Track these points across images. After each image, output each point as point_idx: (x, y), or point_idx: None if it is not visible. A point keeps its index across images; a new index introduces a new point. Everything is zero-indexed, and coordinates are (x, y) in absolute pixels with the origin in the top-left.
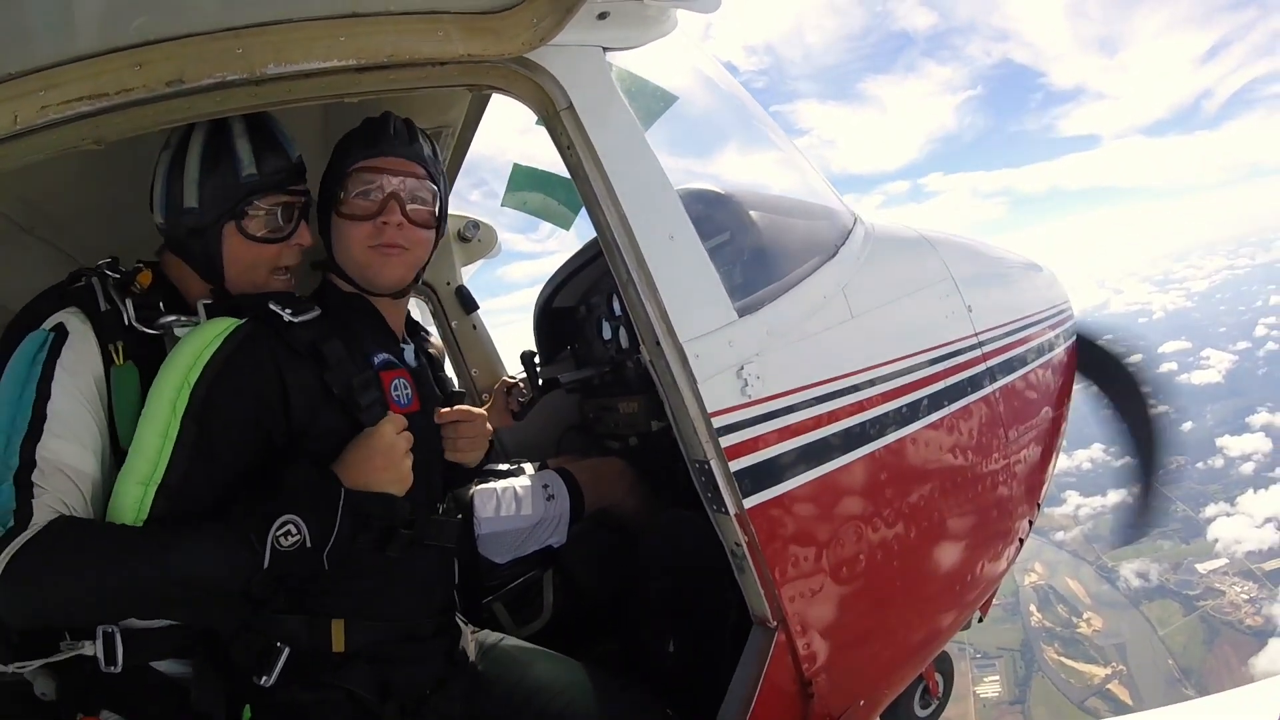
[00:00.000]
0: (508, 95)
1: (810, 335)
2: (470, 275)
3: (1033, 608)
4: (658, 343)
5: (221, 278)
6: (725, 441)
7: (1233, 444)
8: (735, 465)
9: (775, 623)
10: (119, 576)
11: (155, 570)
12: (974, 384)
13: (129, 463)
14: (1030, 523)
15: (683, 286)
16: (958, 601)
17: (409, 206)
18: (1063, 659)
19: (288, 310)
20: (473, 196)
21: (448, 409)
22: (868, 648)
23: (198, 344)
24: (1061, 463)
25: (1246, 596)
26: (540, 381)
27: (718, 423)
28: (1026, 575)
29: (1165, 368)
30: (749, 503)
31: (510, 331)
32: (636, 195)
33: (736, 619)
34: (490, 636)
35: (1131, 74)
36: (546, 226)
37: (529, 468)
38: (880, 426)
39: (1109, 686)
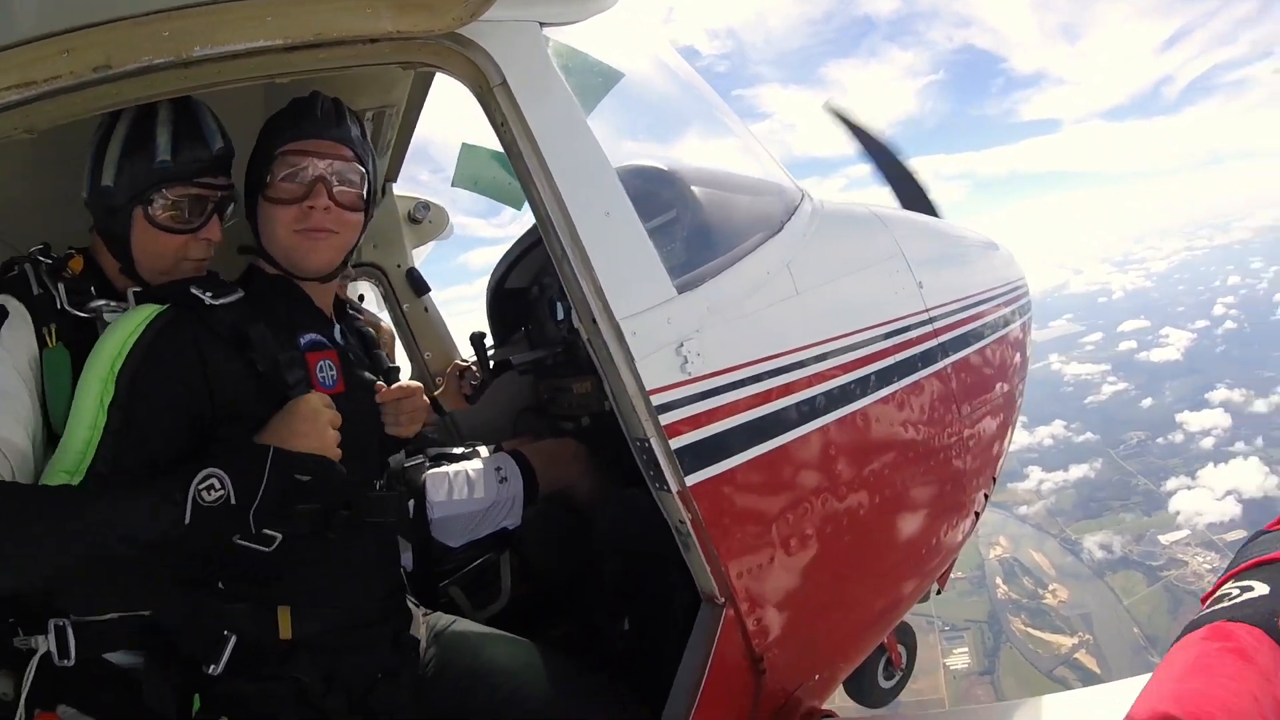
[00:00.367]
0: (442, 72)
1: (752, 312)
2: (423, 259)
3: (999, 580)
4: (594, 320)
5: (132, 261)
6: (665, 419)
7: (1192, 419)
8: (675, 443)
9: (723, 599)
10: (43, 528)
11: (78, 522)
12: (925, 359)
13: (59, 453)
14: (986, 496)
15: (619, 263)
16: (912, 574)
17: (336, 189)
18: (1030, 630)
19: (208, 294)
20: (423, 177)
21: (390, 388)
22: (820, 622)
23: (120, 335)
24: (1023, 439)
25: (1209, 567)
26: (492, 364)
27: (657, 400)
28: (991, 549)
29: (1125, 346)
30: (691, 480)
31: (476, 320)
32: (572, 172)
33: (686, 597)
34: (442, 620)
35: (1093, 60)
36: (509, 211)
37: (483, 450)
38: (826, 402)
39: (1077, 655)
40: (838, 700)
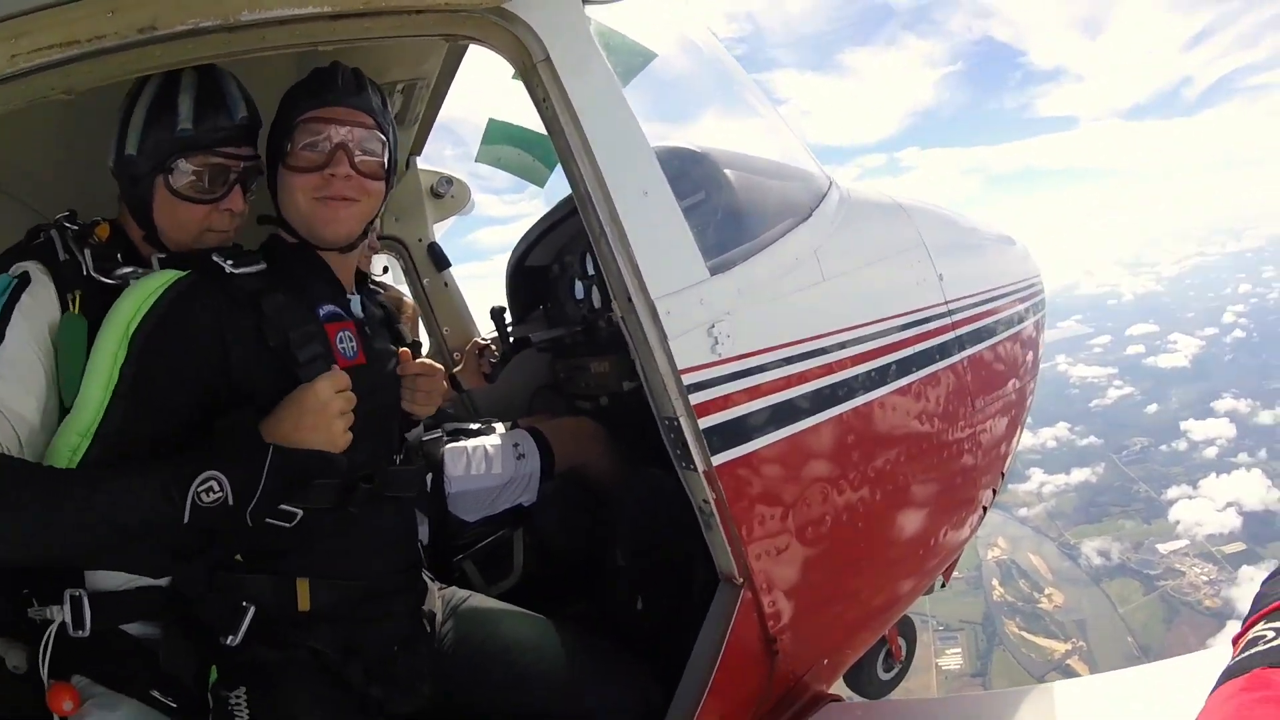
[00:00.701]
0: (484, 46)
1: (781, 296)
2: (441, 234)
3: (995, 582)
4: (629, 299)
5: (155, 230)
6: (695, 399)
7: (1197, 428)
8: (704, 423)
9: (741, 580)
10: (42, 513)
11: (77, 512)
12: (943, 351)
13: (72, 414)
14: (994, 491)
15: (655, 243)
16: (921, 565)
17: (358, 157)
18: (1024, 633)
19: (229, 261)
20: (446, 153)
21: (415, 360)
22: (833, 607)
23: (138, 296)
24: (1027, 440)
25: (1206, 578)
26: (511, 340)
27: (687, 380)
28: (989, 550)
29: (1132, 350)
30: (717, 460)
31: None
32: (612, 150)
33: (703, 577)
34: (458, 594)
35: (1113, 57)
36: (520, 189)
37: (500, 427)
38: (848, 389)
39: (1069, 661)
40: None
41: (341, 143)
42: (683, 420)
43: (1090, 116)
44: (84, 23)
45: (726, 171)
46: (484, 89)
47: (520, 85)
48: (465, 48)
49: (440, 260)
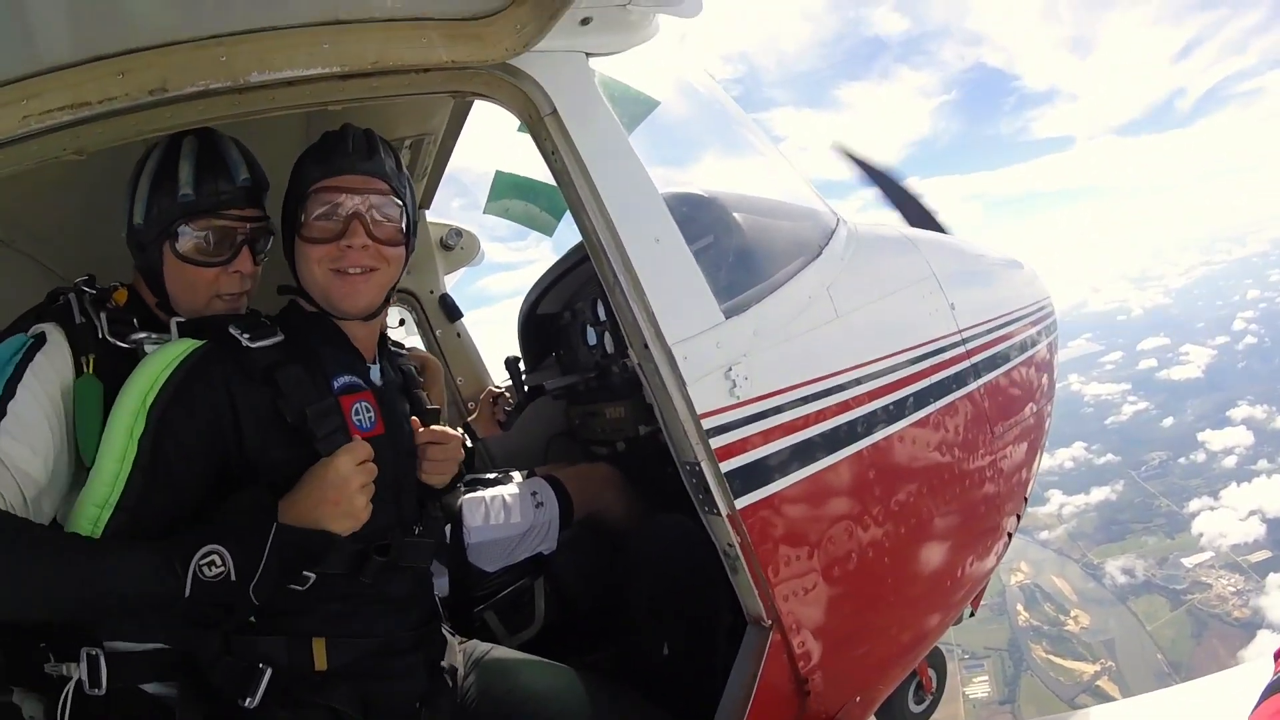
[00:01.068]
0: (492, 101)
1: (796, 335)
2: (452, 284)
3: (1019, 607)
4: (646, 345)
5: (168, 298)
6: (715, 443)
7: (1214, 438)
8: (725, 466)
9: (770, 622)
10: (49, 577)
11: (80, 580)
12: (959, 380)
13: (89, 485)
14: (1018, 518)
15: (670, 289)
16: (949, 597)
17: (374, 225)
18: (1051, 657)
19: (245, 335)
20: (454, 205)
21: (424, 429)
22: (862, 645)
23: (155, 367)
24: (1044, 462)
25: (1233, 589)
26: (526, 388)
27: (707, 424)
28: (1012, 574)
29: (1144, 364)
30: (740, 503)
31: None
32: (622, 199)
33: (731, 620)
34: (480, 647)
35: (1104, 75)
36: (527, 237)
37: (517, 476)
38: (868, 425)
39: (1098, 683)
40: None
41: (356, 212)
42: (704, 464)
43: (1086, 135)
44: (94, 84)
45: (735, 214)
46: (490, 140)
47: (525, 135)
48: (472, 102)
49: (452, 311)
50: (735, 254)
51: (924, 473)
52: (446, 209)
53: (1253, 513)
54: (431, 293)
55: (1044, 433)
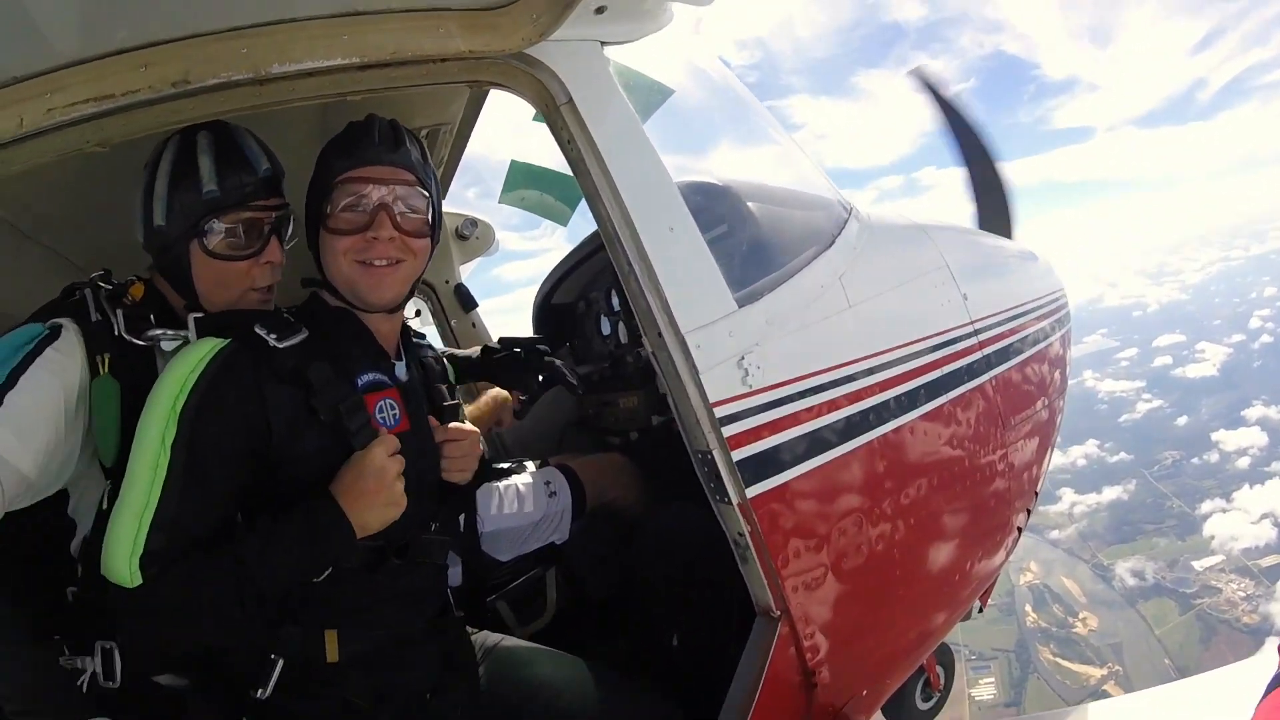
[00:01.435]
0: (508, 91)
1: (808, 325)
2: (467, 274)
3: (1028, 607)
4: (660, 334)
5: (195, 295)
6: (727, 431)
7: (1228, 438)
8: (737, 455)
9: (779, 612)
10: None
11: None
12: (971, 372)
13: (123, 495)
14: (1028, 513)
15: (683, 278)
16: (959, 591)
17: (400, 217)
18: (1058, 659)
19: (273, 335)
20: (469, 195)
21: (441, 426)
22: (871, 637)
23: (182, 370)
24: (1056, 459)
25: (1243, 594)
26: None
27: (719, 413)
28: (1021, 574)
29: (1160, 361)
30: (751, 492)
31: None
32: (637, 188)
33: (740, 611)
34: (491, 637)
35: (1124, 65)
36: (541, 225)
37: (530, 465)
38: (879, 415)
39: (1105, 687)
40: None
41: (382, 203)
42: (716, 453)
43: (1106, 126)
44: (117, 77)
45: (748, 203)
46: (506, 129)
47: (540, 126)
48: (488, 92)
49: (468, 301)
50: (748, 243)
51: (935, 465)
52: (462, 198)
53: (1265, 516)
54: (447, 282)
55: (1055, 428)
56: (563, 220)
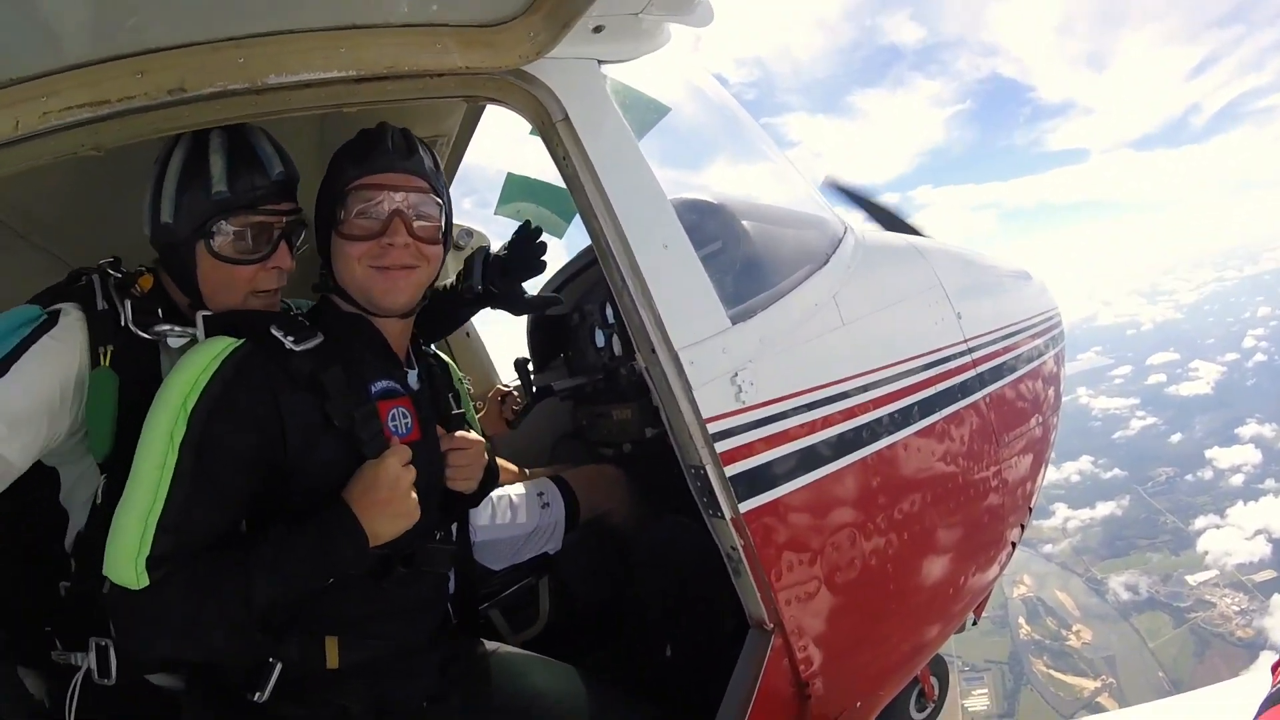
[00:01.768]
0: (504, 106)
1: (802, 342)
2: None
3: (1021, 620)
4: (653, 350)
5: (199, 295)
6: (720, 447)
7: (1222, 455)
8: (730, 470)
9: (772, 625)
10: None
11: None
12: (964, 390)
13: (128, 493)
14: (1022, 528)
15: (677, 294)
16: (952, 605)
17: (415, 224)
18: (1051, 672)
19: (290, 338)
20: (465, 205)
21: (447, 435)
22: (865, 650)
23: (194, 368)
24: (1051, 475)
25: (1237, 608)
26: (534, 389)
27: (713, 428)
28: (1015, 587)
29: (1154, 379)
30: (744, 507)
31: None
32: (631, 205)
33: (733, 623)
34: (486, 646)
35: (1120, 89)
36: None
37: (524, 473)
38: (872, 432)
39: (1098, 699)
40: None
41: (397, 209)
42: (709, 468)
43: (1101, 149)
44: (114, 83)
45: (743, 221)
46: (502, 141)
47: (537, 139)
48: (484, 106)
49: None
50: (743, 261)
51: (928, 481)
52: (458, 208)
53: (1259, 532)
54: None
55: (1049, 444)
56: (558, 233)
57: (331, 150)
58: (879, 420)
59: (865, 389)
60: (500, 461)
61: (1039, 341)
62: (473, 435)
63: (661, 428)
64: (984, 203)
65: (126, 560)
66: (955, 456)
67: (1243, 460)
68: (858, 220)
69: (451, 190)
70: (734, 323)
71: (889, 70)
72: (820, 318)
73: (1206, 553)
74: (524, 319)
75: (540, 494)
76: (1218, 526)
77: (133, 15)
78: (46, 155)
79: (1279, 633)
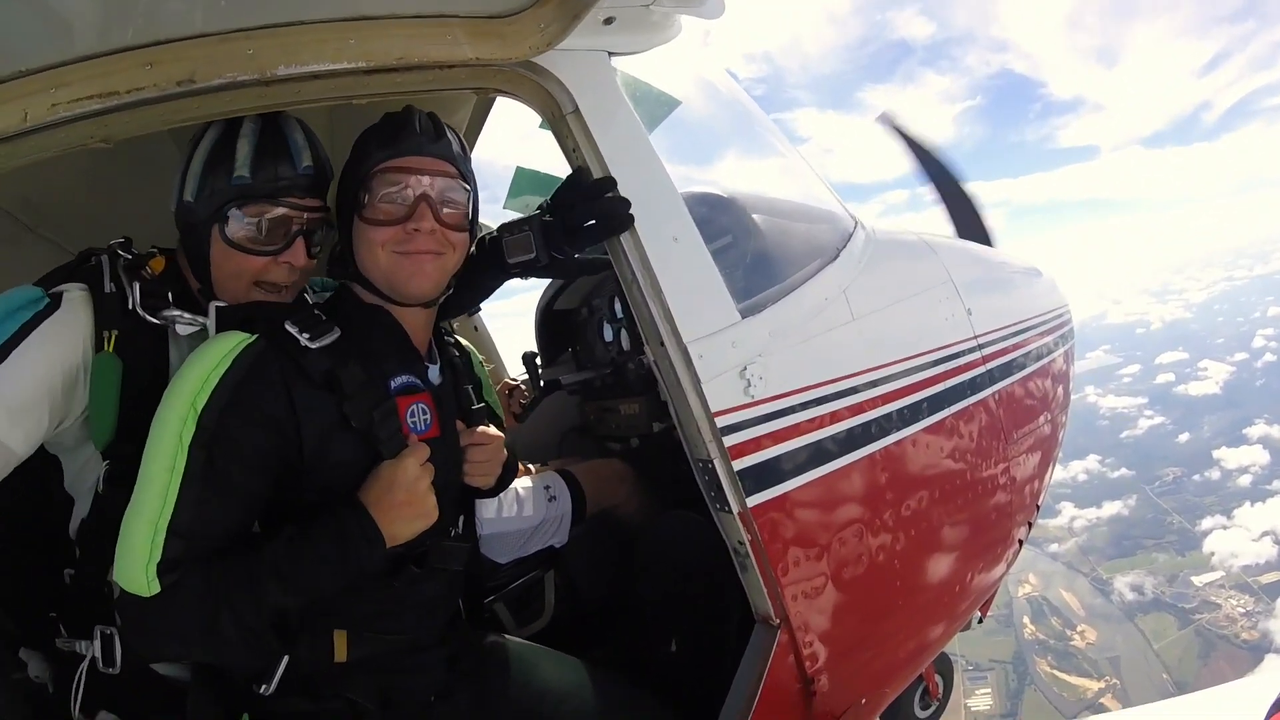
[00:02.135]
0: (514, 98)
1: (812, 337)
2: None
3: (1026, 619)
4: (662, 343)
5: (210, 281)
6: (729, 441)
7: (1230, 456)
8: (738, 464)
9: (778, 621)
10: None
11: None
12: (974, 386)
13: (137, 496)
14: (1029, 526)
15: (686, 288)
16: (958, 602)
17: (442, 210)
18: (1056, 672)
19: (305, 334)
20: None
21: (467, 430)
22: (870, 647)
23: (205, 365)
24: (1057, 474)
25: (1243, 610)
26: (542, 383)
27: (721, 422)
28: (1020, 586)
29: (1163, 379)
30: (752, 501)
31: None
32: (642, 198)
33: (739, 618)
34: (492, 638)
35: (1130, 85)
36: None
37: (531, 469)
38: (881, 428)
39: (1102, 700)
40: None
41: (424, 194)
42: (717, 462)
43: (1111, 146)
44: (123, 75)
45: (753, 215)
46: (513, 134)
47: (547, 131)
48: (494, 98)
49: None
50: (753, 255)
51: (936, 478)
52: None
53: (1266, 533)
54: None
55: (1058, 442)
56: None
57: (341, 145)
58: (888, 416)
59: (874, 384)
60: None
61: (1049, 339)
62: (492, 430)
63: (669, 422)
64: (994, 200)
65: (137, 567)
66: (964, 453)
67: (1250, 461)
68: (870, 214)
69: None
70: (744, 316)
71: (899, 66)
72: (830, 312)
73: (1213, 554)
74: (530, 314)
75: (547, 487)
76: (1224, 527)
77: (141, 6)
78: (55, 147)
79: None
